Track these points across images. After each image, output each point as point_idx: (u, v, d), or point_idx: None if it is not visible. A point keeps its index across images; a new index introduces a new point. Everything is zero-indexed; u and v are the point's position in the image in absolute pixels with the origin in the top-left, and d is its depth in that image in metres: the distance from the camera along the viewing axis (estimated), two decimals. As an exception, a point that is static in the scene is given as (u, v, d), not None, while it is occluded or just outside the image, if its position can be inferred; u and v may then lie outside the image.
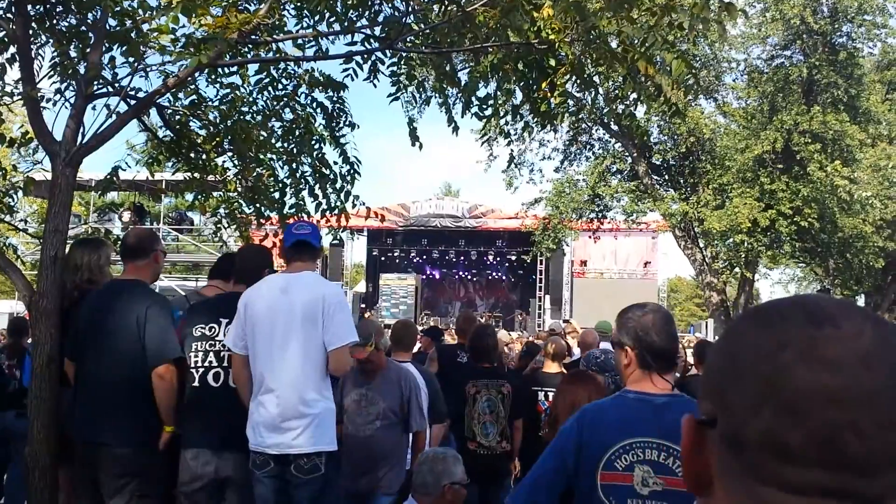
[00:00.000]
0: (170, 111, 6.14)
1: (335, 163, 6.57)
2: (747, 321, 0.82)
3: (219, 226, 7.16)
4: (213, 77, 6.27)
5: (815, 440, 0.71)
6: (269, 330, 4.06)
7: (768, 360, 0.75)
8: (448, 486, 3.88)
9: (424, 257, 32.47)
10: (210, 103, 6.31)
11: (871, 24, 19.39)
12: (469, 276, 33.45)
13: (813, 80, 19.31)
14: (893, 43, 21.71)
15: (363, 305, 28.84)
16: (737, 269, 21.17)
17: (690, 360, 7.58)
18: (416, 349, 7.27)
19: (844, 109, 19.23)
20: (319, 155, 6.53)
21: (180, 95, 6.11)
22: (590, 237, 24.91)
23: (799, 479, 0.72)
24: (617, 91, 6.01)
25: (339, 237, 7.45)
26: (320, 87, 6.39)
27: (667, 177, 22.49)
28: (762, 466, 0.74)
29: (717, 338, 0.85)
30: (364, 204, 6.81)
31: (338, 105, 6.53)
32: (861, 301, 34.47)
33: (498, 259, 31.69)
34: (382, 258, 32.32)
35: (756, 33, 20.11)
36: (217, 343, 4.39)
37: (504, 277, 33.01)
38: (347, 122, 6.54)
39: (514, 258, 29.90)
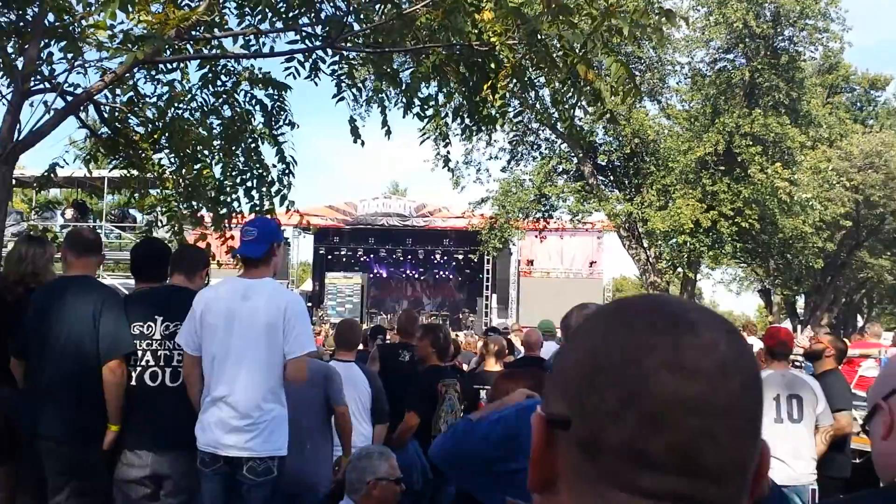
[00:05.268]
0: (107, 108, 6.03)
1: (273, 165, 6.52)
2: (607, 320, 0.79)
3: (152, 224, 7.05)
4: (151, 74, 6.17)
5: (675, 449, 0.71)
6: (227, 335, 4.06)
7: (631, 366, 0.73)
8: (373, 482, 3.86)
9: (371, 256, 32.35)
10: (148, 100, 6.21)
11: (812, 29, 19.80)
12: (416, 275, 33.41)
13: (755, 83, 19.69)
14: (834, 47, 22.22)
15: (310, 304, 28.64)
16: (679, 269, 21.51)
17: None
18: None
19: (785, 112, 19.66)
20: (256, 156, 6.47)
21: (118, 92, 6.01)
22: (536, 237, 25.12)
23: (655, 485, 0.71)
24: (557, 95, 6.02)
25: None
26: (260, 85, 6.33)
27: (612, 177, 22.78)
28: (618, 472, 0.72)
29: (573, 332, 0.79)
30: (298, 211, 6.74)
31: (278, 103, 6.47)
32: (801, 301, 35.32)
33: (445, 258, 31.71)
34: (329, 257, 32.14)
35: (699, 36, 20.45)
36: (154, 342, 4.35)
37: (451, 276, 33.05)
38: (287, 121, 6.48)
39: (461, 257, 30.01)
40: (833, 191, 22.73)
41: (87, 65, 5.49)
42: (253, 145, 6.46)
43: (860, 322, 35.65)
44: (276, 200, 6.57)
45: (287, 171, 6.53)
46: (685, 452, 0.71)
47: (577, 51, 5.17)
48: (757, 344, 10.03)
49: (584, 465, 0.75)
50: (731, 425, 0.72)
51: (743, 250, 21.91)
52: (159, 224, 6.99)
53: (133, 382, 4.29)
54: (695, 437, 0.71)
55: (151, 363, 4.32)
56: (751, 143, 18.88)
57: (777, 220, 19.81)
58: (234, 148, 6.40)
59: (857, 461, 5.84)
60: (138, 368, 4.31)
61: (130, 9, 4.73)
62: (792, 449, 5.17)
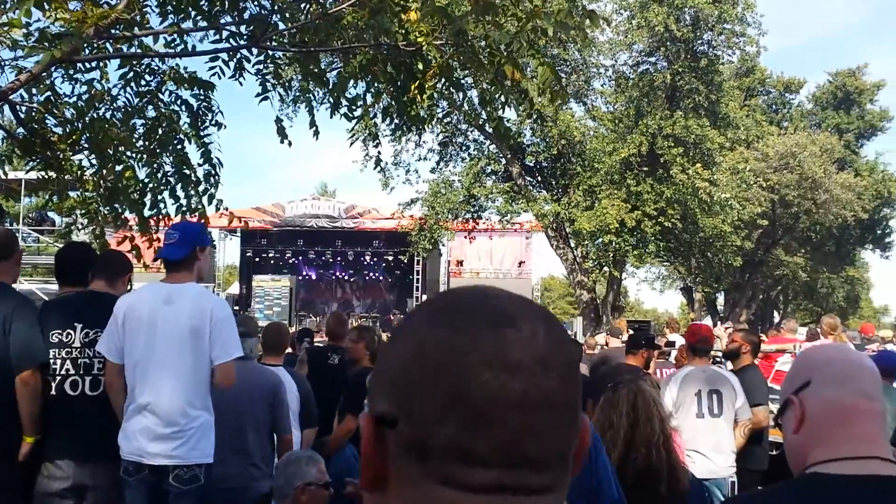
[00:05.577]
0: (23, 108, 5.86)
1: (199, 164, 6.41)
2: (428, 318, 0.80)
3: (71, 227, 6.86)
4: (69, 73, 6.01)
5: (499, 445, 0.73)
6: (150, 340, 3.97)
7: (453, 367, 0.74)
8: (301, 487, 3.83)
9: (300, 258, 32.03)
10: (66, 99, 6.05)
11: (730, 33, 20.39)
12: (346, 277, 33.20)
13: (676, 86, 20.16)
14: (751, 51, 22.88)
15: (237, 307, 28.18)
16: (605, 268, 21.87)
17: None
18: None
19: (705, 114, 20.19)
20: (181, 156, 6.35)
21: (35, 92, 5.84)
22: (465, 237, 25.24)
23: (479, 479, 0.73)
24: (485, 95, 6.08)
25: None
26: (186, 85, 6.22)
27: (539, 178, 23.04)
28: (445, 470, 0.74)
29: (396, 329, 0.79)
30: (227, 209, 6.64)
31: (204, 104, 6.37)
32: (721, 298, 36.27)
33: (375, 259, 31.59)
34: (256, 259, 31.68)
35: (622, 40, 20.84)
36: (74, 350, 4.22)
37: (381, 278, 32.95)
38: (214, 122, 6.38)
39: (391, 258, 29.92)
40: (750, 191, 23.41)
41: (2, 63, 5.34)
42: (179, 146, 6.34)
43: (776, 318, 36.84)
44: (205, 200, 6.46)
45: (213, 173, 6.42)
46: (509, 448, 0.73)
47: (503, 51, 5.21)
48: (679, 340, 10.28)
49: (411, 465, 0.75)
50: (551, 417, 0.75)
51: (666, 249, 22.42)
52: (79, 227, 6.80)
53: (52, 392, 4.16)
54: (518, 432, 0.73)
55: (71, 372, 4.20)
56: (672, 144, 19.33)
57: (698, 219, 20.33)
58: (158, 149, 6.26)
59: (774, 453, 6.03)
60: (58, 378, 4.18)
61: (47, 6, 4.60)
62: (713, 443, 5.31)
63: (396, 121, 6.34)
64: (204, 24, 5.77)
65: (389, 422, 0.76)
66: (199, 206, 6.45)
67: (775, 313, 41.34)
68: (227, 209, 6.71)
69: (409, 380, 0.76)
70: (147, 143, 6.34)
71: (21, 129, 6.07)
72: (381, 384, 0.80)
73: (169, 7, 5.78)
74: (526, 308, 0.79)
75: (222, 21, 5.65)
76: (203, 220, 6.61)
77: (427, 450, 0.74)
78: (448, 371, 0.74)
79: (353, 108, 6.08)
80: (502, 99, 6.10)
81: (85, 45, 4.97)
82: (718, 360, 7.96)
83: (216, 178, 6.43)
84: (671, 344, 10.79)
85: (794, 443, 1.60)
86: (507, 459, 0.73)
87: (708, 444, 5.28)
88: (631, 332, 10.59)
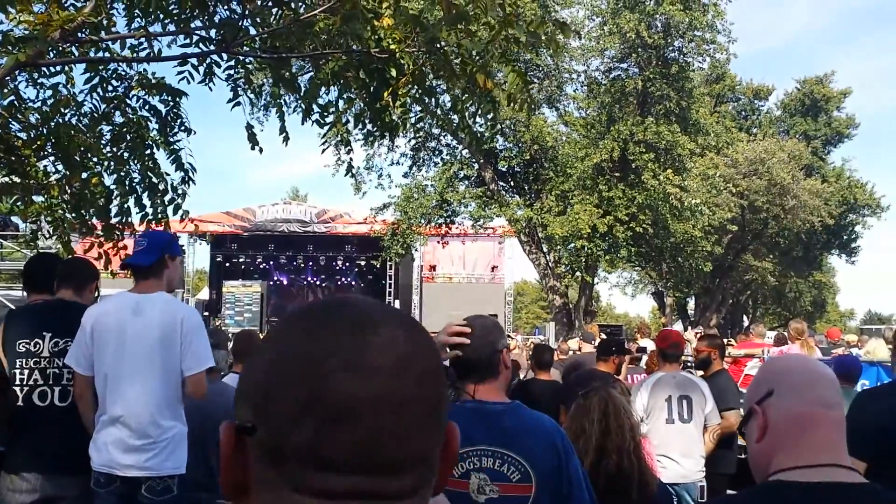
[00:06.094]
0: (-14, 112, 5.76)
1: (166, 173, 6.33)
2: (292, 325, 0.80)
3: (36, 233, 6.75)
4: (33, 77, 5.92)
5: (354, 448, 0.72)
6: (119, 351, 3.92)
7: (312, 370, 0.74)
8: None
9: (271, 263, 31.82)
10: (31, 104, 5.96)
11: (700, 40, 20.60)
12: (318, 282, 33.05)
13: (647, 92, 20.32)
14: (721, 58, 23.10)
15: (206, 313, 27.95)
16: (578, 273, 21.98)
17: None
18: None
19: (676, 121, 20.36)
20: (150, 162, 6.27)
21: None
22: (438, 242, 25.25)
23: (335, 485, 0.73)
24: (457, 103, 6.08)
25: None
26: (154, 91, 6.15)
27: (512, 183, 23.14)
28: (299, 476, 0.73)
29: (263, 340, 0.82)
30: (192, 220, 6.57)
31: (173, 109, 6.29)
32: (692, 303, 36.58)
33: (347, 264, 31.49)
34: (227, 264, 31.42)
35: (595, 46, 20.97)
36: (42, 360, 4.14)
37: (354, 283, 32.84)
38: (183, 128, 6.31)
39: (363, 263, 29.86)
40: (720, 196, 23.68)
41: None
42: (148, 153, 6.26)
43: (746, 322, 37.20)
44: (170, 210, 6.38)
45: (186, 179, 6.35)
46: (364, 451, 0.73)
47: (475, 60, 5.22)
48: (650, 346, 10.35)
49: (268, 472, 0.75)
50: (409, 420, 0.74)
51: (637, 254, 22.58)
52: (46, 234, 6.70)
53: (20, 402, 4.09)
54: (373, 434, 0.73)
55: (40, 382, 4.11)
56: (644, 150, 19.49)
57: (669, 224, 20.50)
58: (126, 156, 6.18)
59: (743, 457, 6.08)
60: (25, 388, 4.10)
61: (11, 9, 4.54)
62: (683, 448, 5.35)
63: (369, 126, 6.33)
64: (173, 28, 5.71)
65: (248, 429, 0.76)
66: (164, 216, 6.39)
67: (744, 318, 41.75)
68: (191, 220, 6.64)
69: (267, 386, 0.76)
70: (115, 149, 6.25)
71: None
72: (242, 393, 0.80)
73: (136, 11, 5.72)
74: (387, 314, 0.79)
75: (192, 25, 5.59)
76: (168, 229, 6.54)
77: (283, 455, 0.74)
78: (305, 375, 0.74)
79: (325, 114, 6.05)
80: (473, 108, 6.10)
81: (50, 48, 4.91)
82: (689, 364, 8.02)
83: (189, 184, 6.36)
84: (642, 349, 10.86)
85: (757, 451, 1.62)
86: (363, 464, 0.73)
87: (678, 449, 5.32)
88: (603, 336, 10.64)
